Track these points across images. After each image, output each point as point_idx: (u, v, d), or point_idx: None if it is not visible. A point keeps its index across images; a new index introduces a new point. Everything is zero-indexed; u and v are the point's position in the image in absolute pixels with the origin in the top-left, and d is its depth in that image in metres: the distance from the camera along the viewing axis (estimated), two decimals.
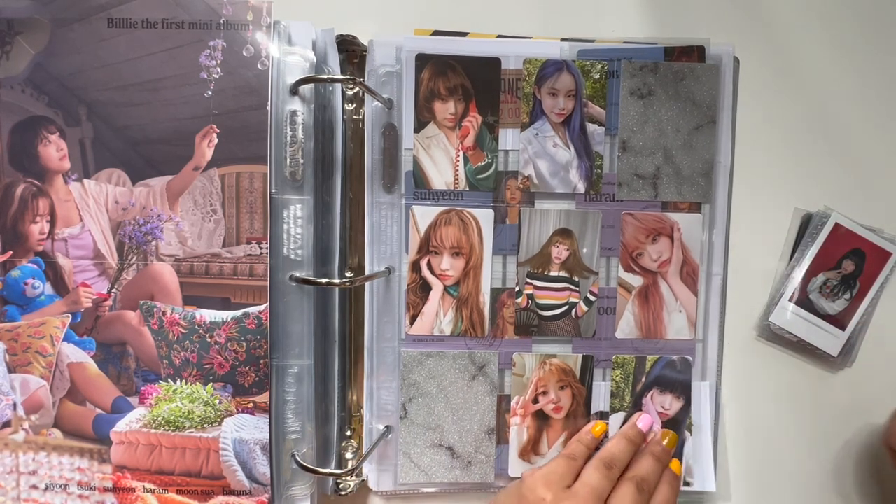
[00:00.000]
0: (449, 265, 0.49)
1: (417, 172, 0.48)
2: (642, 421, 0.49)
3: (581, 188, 0.49)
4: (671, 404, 0.50)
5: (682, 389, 0.50)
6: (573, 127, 0.49)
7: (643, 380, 0.50)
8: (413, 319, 0.49)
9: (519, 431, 0.50)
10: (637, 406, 0.50)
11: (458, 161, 0.48)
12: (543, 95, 0.48)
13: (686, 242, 0.50)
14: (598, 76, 0.48)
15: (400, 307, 0.49)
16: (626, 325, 0.50)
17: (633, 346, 0.50)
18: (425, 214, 0.48)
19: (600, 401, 0.50)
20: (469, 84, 0.48)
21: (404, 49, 0.47)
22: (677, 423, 0.50)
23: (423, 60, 0.47)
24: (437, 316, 0.49)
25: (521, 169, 0.49)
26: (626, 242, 0.50)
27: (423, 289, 0.49)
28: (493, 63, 0.48)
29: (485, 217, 0.49)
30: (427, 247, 0.49)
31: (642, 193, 0.49)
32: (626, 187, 0.49)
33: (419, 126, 0.48)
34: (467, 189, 0.49)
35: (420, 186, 0.48)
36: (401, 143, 0.48)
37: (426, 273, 0.49)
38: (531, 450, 0.50)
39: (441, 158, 0.48)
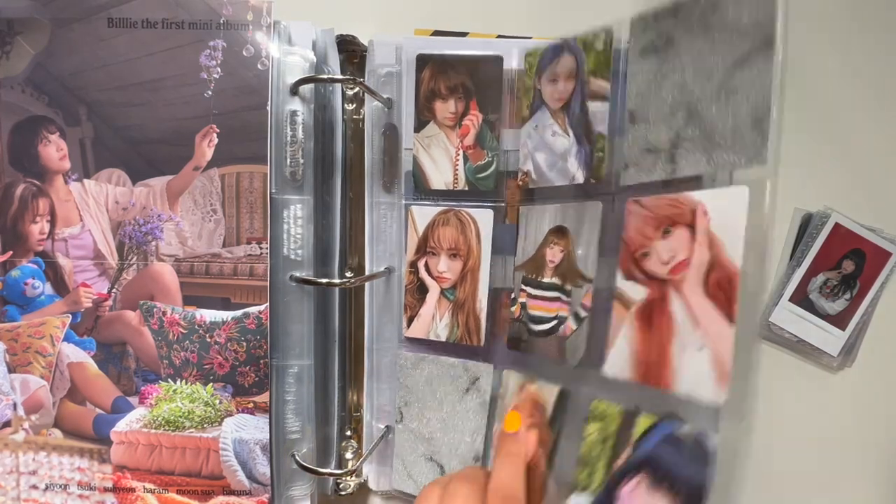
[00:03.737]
0: (446, 267, 0.48)
1: (417, 172, 0.48)
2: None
3: (580, 177, 0.41)
4: None
5: (687, 490, 0.30)
6: (572, 110, 0.43)
7: (627, 451, 0.33)
8: (410, 321, 0.48)
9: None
10: (610, 495, 0.33)
11: (457, 160, 0.48)
12: (544, 84, 0.45)
13: (718, 233, 0.32)
14: (601, 47, 0.41)
15: (400, 308, 0.49)
16: (619, 358, 0.35)
17: (623, 391, 0.35)
18: (424, 214, 0.48)
19: (564, 462, 0.36)
20: (470, 82, 0.47)
21: (405, 49, 0.47)
22: None
23: (423, 60, 0.47)
24: (434, 319, 0.48)
25: (521, 165, 0.46)
26: (628, 238, 0.36)
27: (420, 290, 0.48)
28: (496, 60, 0.47)
29: (483, 217, 0.47)
30: (425, 248, 0.48)
31: (654, 172, 0.36)
32: (632, 168, 0.37)
33: (419, 126, 0.48)
34: (466, 189, 0.48)
35: (419, 187, 0.48)
36: (401, 143, 0.48)
37: (423, 274, 0.48)
38: None
39: (441, 158, 0.48)
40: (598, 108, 0.41)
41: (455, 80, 0.47)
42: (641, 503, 0.32)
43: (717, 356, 0.31)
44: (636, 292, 0.35)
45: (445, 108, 0.48)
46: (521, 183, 0.46)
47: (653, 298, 0.34)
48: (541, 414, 0.38)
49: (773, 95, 0.34)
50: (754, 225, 0.31)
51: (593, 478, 0.34)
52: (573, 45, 0.43)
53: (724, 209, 0.32)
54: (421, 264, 0.48)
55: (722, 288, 0.32)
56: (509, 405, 0.42)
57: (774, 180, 0.33)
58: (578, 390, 0.38)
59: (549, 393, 0.39)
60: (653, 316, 0.34)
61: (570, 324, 0.40)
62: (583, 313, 0.40)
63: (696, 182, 0.34)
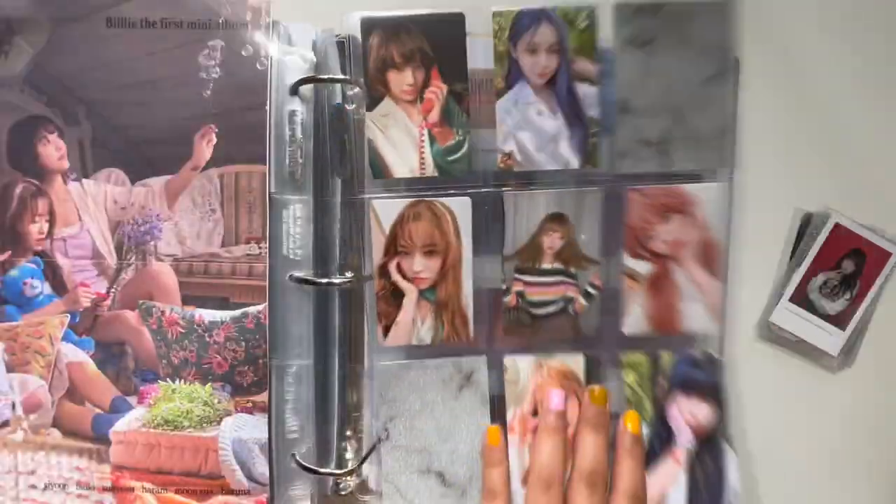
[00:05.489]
0: (422, 266, 0.43)
1: (374, 159, 0.42)
2: (554, 400, 0.41)
3: (575, 163, 0.42)
4: (699, 410, 0.43)
5: (710, 391, 0.43)
6: (560, 89, 0.41)
7: (663, 383, 0.44)
8: (386, 330, 0.44)
9: (519, 453, 0.44)
10: (661, 417, 0.43)
11: (422, 142, 0.42)
12: (521, 54, 0.41)
13: (707, 219, 0.43)
14: (584, 25, 0.41)
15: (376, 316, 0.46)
16: (635, 320, 0.44)
17: (645, 342, 0.44)
18: (388, 209, 0.43)
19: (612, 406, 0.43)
20: (428, 47, 0.41)
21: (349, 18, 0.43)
22: (713, 437, 0.43)
23: (370, 25, 0.41)
24: (415, 324, 0.44)
25: (500, 145, 0.42)
26: (631, 224, 0.43)
27: (394, 296, 0.44)
28: (456, 19, 0.41)
29: (461, 207, 0.42)
30: (395, 247, 0.43)
31: (650, 164, 0.42)
32: (629, 157, 0.42)
33: (372, 103, 0.41)
34: (437, 175, 0.42)
35: (378, 176, 0.42)
36: None
37: (396, 277, 0.43)
38: None
39: (402, 140, 0.42)
40: (587, 91, 0.41)
41: (410, 45, 0.41)
42: (687, 412, 0.43)
43: (710, 303, 0.44)
44: (643, 268, 0.44)
45: (402, 80, 0.42)
46: (502, 164, 0.42)
47: (659, 272, 0.43)
48: (575, 382, 0.44)
49: (728, 115, 0.42)
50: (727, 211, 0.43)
51: (643, 411, 0.43)
52: (554, 16, 0.41)
53: (710, 199, 0.43)
54: (392, 266, 0.44)
55: (711, 258, 0.44)
56: (527, 386, 0.44)
57: (732, 181, 0.44)
58: (602, 354, 0.44)
59: (574, 362, 0.44)
60: (660, 284, 0.43)
61: (581, 301, 0.44)
62: (593, 291, 0.44)
63: (687, 175, 0.43)
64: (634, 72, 0.41)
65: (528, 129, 0.42)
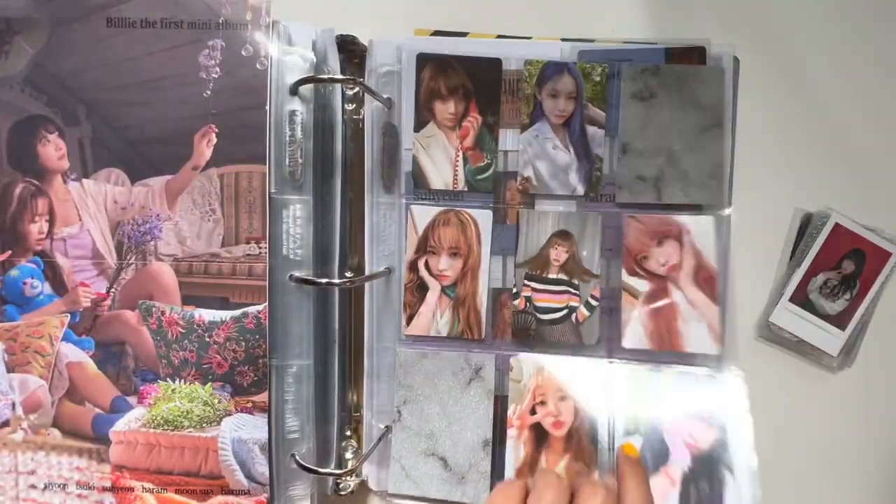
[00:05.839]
0: (447, 265, 0.48)
1: (416, 172, 0.48)
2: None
3: (580, 190, 0.48)
4: (702, 435, 0.44)
5: (714, 415, 0.44)
6: (573, 129, 0.48)
7: (660, 399, 0.46)
8: (410, 319, 0.49)
9: (515, 446, 0.47)
10: (656, 432, 0.45)
11: (457, 161, 0.48)
12: (544, 97, 0.48)
13: (699, 247, 0.47)
14: (598, 78, 0.48)
15: (400, 307, 0.49)
16: (634, 334, 0.47)
17: (645, 357, 0.47)
18: (424, 214, 0.48)
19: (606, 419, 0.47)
20: (470, 84, 0.48)
21: (405, 49, 0.47)
22: (712, 461, 0.43)
23: (424, 60, 0.47)
24: (434, 316, 0.49)
25: (521, 170, 0.48)
26: (628, 246, 0.47)
27: (420, 289, 0.49)
28: (494, 63, 0.48)
29: (483, 218, 0.48)
30: (425, 247, 0.49)
31: (644, 196, 0.48)
32: (626, 190, 0.48)
33: (419, 126, 0.48)
34: (466, 190, 0.48)
35: (419, 186, 0.48)
36: (400, 143, 0.48)
37: (424, 273, 0.49)
38: (528, 471, 0.46)
39: (440, 158, 0.48)
40: (595, 133, 0.48)
41: (455, 80, 0.48)
42: (686, 433, 0.45)
43: (710, 324, 0.47)
44: (640, 286, 0.47)
45: (445, 109, 0.48)
46: (521, 188, 0.48)
47: (654, 290, 0.47)
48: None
49: (724, 160, 0.48)
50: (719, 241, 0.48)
51: (637, 424, 0.46)
52: (573, 68, 0.48)
53: (700, 230, 0.47)
54: (421, 263, 0.48)
55: (707, 282, 0.47)
56: (529, 387, 0.47)
57: (724, 216, 0.48)
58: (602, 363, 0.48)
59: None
60: (658, 302, 0.47)
61: (583, 311, 0.48)
62: (594, 303, 0.48)
63: (676, 207, 0.48)
64: (636, 120, 0.48)
65: (544, 159, 0.48)
